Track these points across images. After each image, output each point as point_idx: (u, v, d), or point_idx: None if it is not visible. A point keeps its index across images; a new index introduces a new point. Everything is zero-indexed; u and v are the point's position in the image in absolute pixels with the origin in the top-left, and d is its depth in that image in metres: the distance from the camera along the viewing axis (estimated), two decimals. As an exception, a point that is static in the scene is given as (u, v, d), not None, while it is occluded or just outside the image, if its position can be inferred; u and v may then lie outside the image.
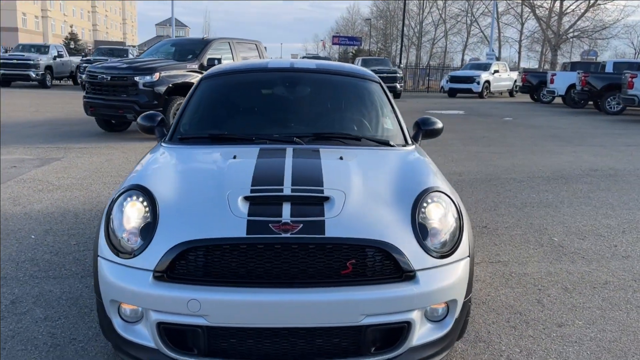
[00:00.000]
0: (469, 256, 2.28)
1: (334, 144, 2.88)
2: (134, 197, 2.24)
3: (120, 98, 9.02)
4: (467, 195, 5.71)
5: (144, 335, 2.10)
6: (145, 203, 2.21)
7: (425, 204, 2.27)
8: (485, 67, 25.67)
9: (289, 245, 2.03)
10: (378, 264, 2.08)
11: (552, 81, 20.46)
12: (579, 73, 18.21)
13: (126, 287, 2.07)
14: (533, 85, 22.83)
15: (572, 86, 19.16)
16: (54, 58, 22.17)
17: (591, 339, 2.77)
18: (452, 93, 25.08)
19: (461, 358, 2.55)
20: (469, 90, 24.50)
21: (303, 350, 2.07)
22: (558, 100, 21.29)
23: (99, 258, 2.20)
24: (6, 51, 24.94)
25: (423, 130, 3.32)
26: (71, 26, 50.96)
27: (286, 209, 2.13)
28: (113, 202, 2.28)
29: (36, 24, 59.02)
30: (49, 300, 3.05)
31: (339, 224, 2.09)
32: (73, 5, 68.36)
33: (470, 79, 24.41)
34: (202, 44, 10.30)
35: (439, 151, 8.70)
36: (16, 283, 3.26)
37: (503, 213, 5.08)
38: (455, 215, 2.30)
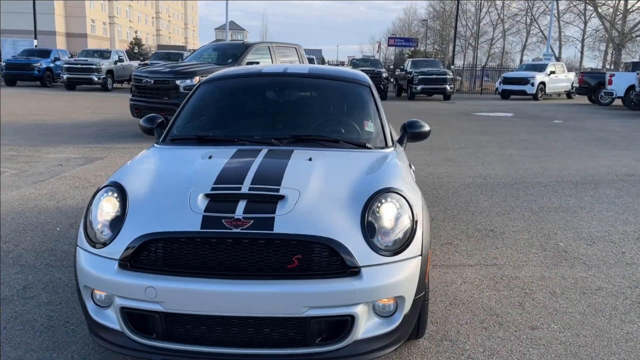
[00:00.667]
0: (420, 255, 2.35)
1: (312, 146, 3.00)
2: (110, 193, 2.46)
3: (163, 101, 9.47)
4: (484, 199, 5.67)
5: (112, 318, 2.31)
6: (118, 198, 2.42)
7: (378, 204, 2.36)
8: (540, 68, 24.87)
9: (240, 240, 2.19)
10: (325, 259, 2.20)
11: (610, 82, 19.62)
12: (638, 73, 17.40)
13: (96, 274, 2.29)
14: (591, 87, 21.90)
15: (632, 87, 18.31)
16: (115, 62, 23.35)
17: (561, 342, 2.76)
18: (505, 95, 24.46)
19: (422, 355, 2.62)
20: (523, 92, 23.80)
21: (252, 338, 2.22)
22: (618, 102, 20.38)
23: (77, 248, 2.43)
24: (71, 56, 26.39)
25: (409, 133, 3.39)
26: (136, 32, 53.31)
27: (241, 206, 2.28)
28: (93, 197, 2.51)
29: (104, 30, 62.10)
30: (56, 286, 3.34)
31: (288, 221, 2.23)
32: (138, 11, 71.47)
33: (524, 81, 23.72)
34: (243, 48, 10.65)
35: (472, 154, 8.62)
36: (32, 270, 3.58)
37: (515, 217, 5.03)
38: (410, 216, 2.38)
